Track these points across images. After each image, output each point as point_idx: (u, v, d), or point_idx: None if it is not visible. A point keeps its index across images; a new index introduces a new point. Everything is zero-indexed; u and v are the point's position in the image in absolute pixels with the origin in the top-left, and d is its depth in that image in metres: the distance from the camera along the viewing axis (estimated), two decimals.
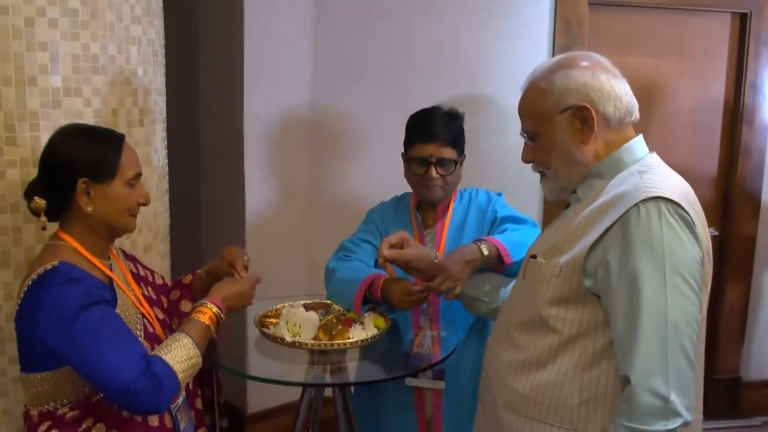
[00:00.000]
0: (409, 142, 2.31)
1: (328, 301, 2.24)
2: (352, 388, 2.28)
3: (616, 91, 1.54)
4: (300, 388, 2.30)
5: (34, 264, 1.60)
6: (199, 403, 1.93)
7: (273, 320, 2.11)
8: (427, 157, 2.23)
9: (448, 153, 2.24)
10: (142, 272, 1.89)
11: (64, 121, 1.82)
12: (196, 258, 3.45)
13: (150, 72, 2.08)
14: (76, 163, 1.59)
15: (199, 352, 1.63)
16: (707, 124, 3.62)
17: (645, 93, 3.49)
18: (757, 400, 3.85)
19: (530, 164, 1.68)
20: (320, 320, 2.04)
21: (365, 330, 2.04)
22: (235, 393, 3.30)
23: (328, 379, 2.04)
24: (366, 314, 2.13)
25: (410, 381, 2.24)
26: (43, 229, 1.64)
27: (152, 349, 1.64)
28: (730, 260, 3.67)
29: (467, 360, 2.19)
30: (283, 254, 3.27)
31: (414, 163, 2.28)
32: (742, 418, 3.82)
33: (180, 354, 1.58)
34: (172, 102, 2.36)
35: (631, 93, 1.58)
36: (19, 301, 1.56)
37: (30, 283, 1.54)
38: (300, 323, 2.01)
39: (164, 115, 2.24)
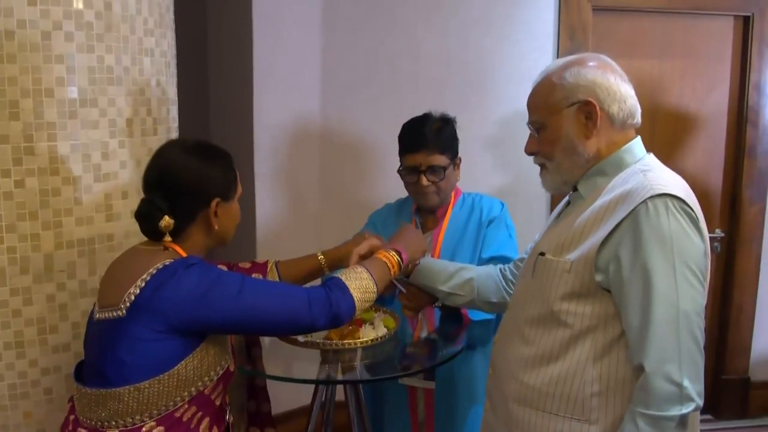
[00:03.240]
0: (400, 153, 2.36)
1: None
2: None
3: (622, 92, 1.61)
4: (312, 392, 2.33)
5: (135, 268, 1.57)
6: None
7: None
8: (417, 166, 2.28)
9: (438, 160, 2.28)
10: None
11: (80, 132, 1.88)
12: None
13: (163, 82, 2.12)
14: (212, 183, 1.64)
15: (375, 287, 1.74)
16: (712, 126, 3.65)
17: (650, 96, 3.52)
18: (766, 400, 3.85)
19: (533, 157, 1.74)
20: None
21: (375, 330, 2.08)
22: None
23: (340, 378, 2.07)
24: (376, 314, 2.17)
25: (403, 380, 2.28)
26: (165, 249, 1.61)
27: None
28: (737, 261, 3.69)
29: (458, 361, 2.19)
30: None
31: (406, 173, 2.33)
32: (752, 418, 3.83)
33: (354, 278, 1.72)
34: (184, 111, 2.40)
35: (635, 97, 1.65)
36: (127, 305, 1.52)
37: (143, 284, 1.52)
38: None
39: (177, 123, 2.28)
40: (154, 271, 1.54)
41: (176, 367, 1.54)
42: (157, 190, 1.62)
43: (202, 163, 1.64)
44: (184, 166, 1.63)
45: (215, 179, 1.65)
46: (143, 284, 1.52)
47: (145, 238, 1.68)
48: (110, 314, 1.54)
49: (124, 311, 1.52)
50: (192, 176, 1.62)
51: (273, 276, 2.06)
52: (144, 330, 1.51)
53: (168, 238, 1.61)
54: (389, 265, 1.85)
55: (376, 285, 1.76)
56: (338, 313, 1.64)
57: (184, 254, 1.62)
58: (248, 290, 1.58)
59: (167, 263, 1.56)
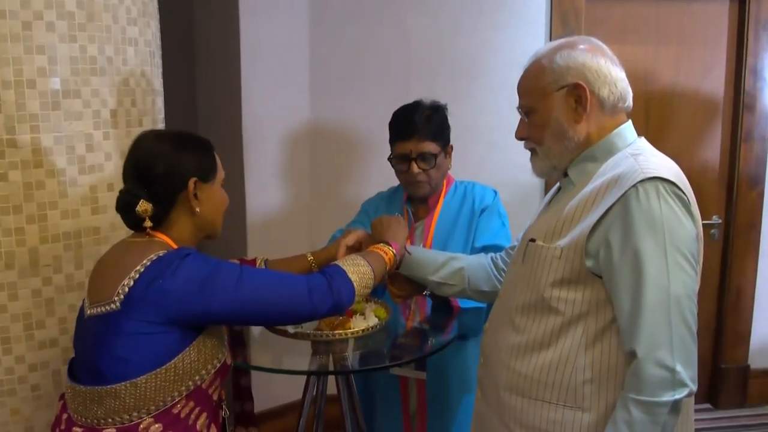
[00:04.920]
0: (391, 141, 2.35)
1: None
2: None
3: (613, 75, 1.58)
4: (303, 386, 2.31)
5: (127, 260, 1.53)
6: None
7: None
8: (408, 154, 2.27)
9: (429, 147, 2.26)
10: None
11: (64, 123, 1.85)
12: None
13: (147, 73, 2.10)
14: (187, 164, 1.60)
15: (372, 274, 1.76)
16: (709, 111, 3.63)
17: (644, 82, 3.50)
18: (766, 388, 3.85)
19: (523, 142, 1.72)
20: None
21: (366, 320, 2.07)
22: None
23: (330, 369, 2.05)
24: (367, 305, 2.16)
25: (395, 370, 2.25)
26: (148, 235, 1.59)
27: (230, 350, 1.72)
28: (735, 247, 3.67)
29: (450, 350, 2.17)
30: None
31: (396, 161, 2.32)
32: (752, 407, 3.83)
33: (352, 264, 1.73)
34: (170, 103, 2.38)
35: (626, 81, 1.62)
36: (121, 298, 1.48)
37: (137, 276, 1.49)
38: None
39: (162, 115, 2.26)
40: (148, 263, 1.51)
41: (173, 361, 1.52)
42: (133, 179, 1.61)
43: (176, 147, 1.62)
44: (157, 151, 1.60)
45: (190, 161, 1.62)
46: (137, 276, 1.49)
47: (132, 232, 1.66)
48: (103, 309, 1.51)
49: (118, 304, 1.48)
50: (166, 159, 1.59)
51: None
52: (140, 324, 1.48)
53: (148, 224, 1.58)
54: (385, 257, 1.85)
55: (374, 274, 1.76)
56: (340, 300, 1.64)
57: (174, 245, 1.60)
58: (247, 279, 1.56)
59: (161, 254, 1.52)
